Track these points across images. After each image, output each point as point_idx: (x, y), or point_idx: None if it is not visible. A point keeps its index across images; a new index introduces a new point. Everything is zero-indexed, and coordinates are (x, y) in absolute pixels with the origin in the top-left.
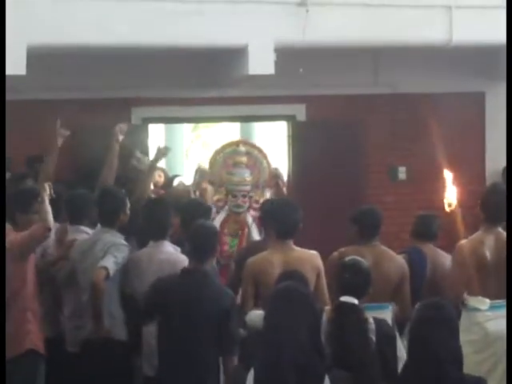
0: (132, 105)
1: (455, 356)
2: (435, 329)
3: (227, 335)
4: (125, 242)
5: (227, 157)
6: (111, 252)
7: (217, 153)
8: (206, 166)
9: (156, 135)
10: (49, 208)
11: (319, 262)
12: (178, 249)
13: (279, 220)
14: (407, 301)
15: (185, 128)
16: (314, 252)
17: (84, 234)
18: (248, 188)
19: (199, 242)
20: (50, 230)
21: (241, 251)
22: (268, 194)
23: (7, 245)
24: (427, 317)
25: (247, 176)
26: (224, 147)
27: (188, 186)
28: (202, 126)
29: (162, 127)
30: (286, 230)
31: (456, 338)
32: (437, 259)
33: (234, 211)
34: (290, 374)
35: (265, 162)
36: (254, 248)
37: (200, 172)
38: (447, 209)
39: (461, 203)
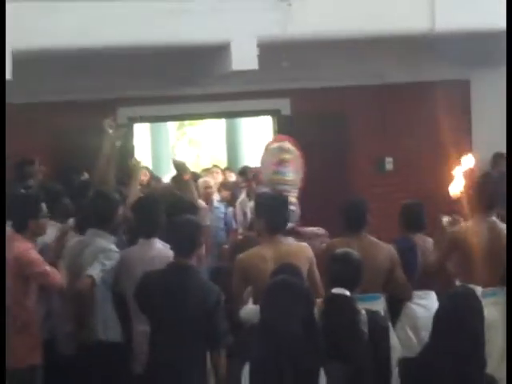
0: (117, 105)
1: (480, 346)
2: (470, 319)
3: (213, 330)
4: (115, 248)
5: (273, 153)
6: (99, 259)
7: (265, 150)
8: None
9: (141, 134)
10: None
11: (310, 253)
12: (168, 245)
13: (269, 214)
14: (403, 283)
15: (170, 126)
16: (304, 244)
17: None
18: (289, 188)
19: (181, 236)
20: (63, 287)
21: (233, 244)
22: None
23: (17, 255)
24: (463, 306)
25: (290, 176)
26: (270, 143)
27: (168, 183)
28: (188, 123)
29: (147, 126)
30: (277, 224)
31: (482, 329)
32: (427, 248)
33: None
34: (286, 367)
35: (301, 162)
36: (247, 242)
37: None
38: (452, 195)
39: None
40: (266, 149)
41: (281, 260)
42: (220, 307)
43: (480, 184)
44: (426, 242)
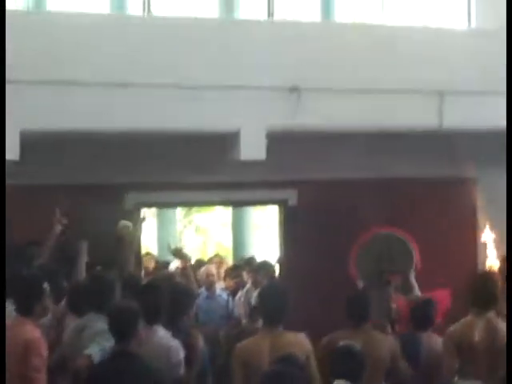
0: (126, 189)
1: None
2: None
3: None
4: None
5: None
6: (97, 340)
7: None
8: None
9: (149, 220)
10: None
11: (308, 344)
12: (169, 333)
13: (268, 306)
14: (405, 373)
15: (177, 213)
16: (302, 334)
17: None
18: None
19: (118, 323)
20: None
21: (229, 336)
22: None
23: (29, 340)
24: None
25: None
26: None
27: (171, 271)
28: (195, 210)
29: (154, 212)
30: (273, 315)
31: None
32: (432, 346)
33: None
34: None
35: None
36: (243, 333)
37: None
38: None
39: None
40: None
41: (278, 350)
42: None
43: (477, 282)
44: (431, 340)
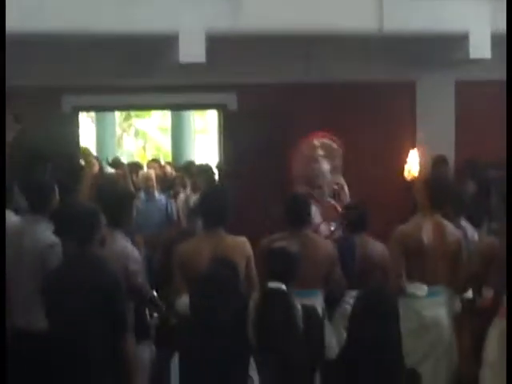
0: (62, 92)
1: (393, 344)
2: (376, 317)
3: (116, 314)
4: (55, 239)
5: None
6: (46, 258)
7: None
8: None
9: (87, 124)
10: None
11: (248, 248)
12: (129, 240)
13: (208, 208)
14: (339, 280)
15: (116, 117)
16: (243, 238)
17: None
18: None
19: (77, 224)
20: None
21: (168, 238)
22: None
23: None
24: (368, 306)
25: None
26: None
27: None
28: (134, 115)
29: (93, 116)
30: (214, 219)
31: (396, 327)
32: (367, 249)
33: None
34: (214, 356)
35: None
36: (182, 235)
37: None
38: (407, 176)
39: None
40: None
41: (217, 253)
42: (119, 290)
43: (425, 183)
44: (366, 243)
